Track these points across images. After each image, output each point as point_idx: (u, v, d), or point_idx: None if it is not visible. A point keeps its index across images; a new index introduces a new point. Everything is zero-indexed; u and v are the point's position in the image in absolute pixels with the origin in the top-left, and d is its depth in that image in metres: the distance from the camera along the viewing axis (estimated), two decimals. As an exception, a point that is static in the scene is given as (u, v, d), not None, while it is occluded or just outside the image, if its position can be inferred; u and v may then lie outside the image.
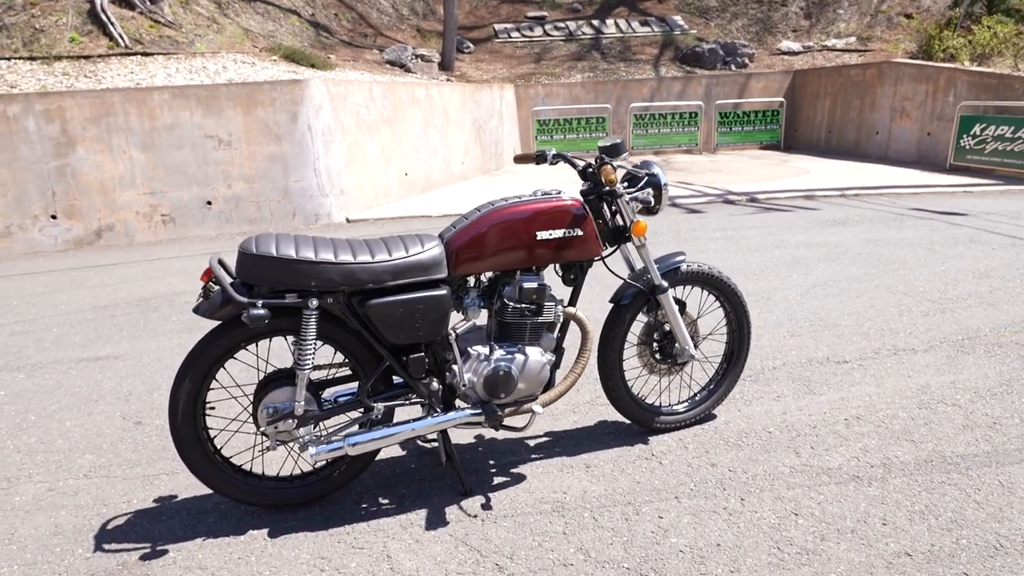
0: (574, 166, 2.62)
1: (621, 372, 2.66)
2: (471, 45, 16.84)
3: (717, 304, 2.87)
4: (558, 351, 2.53)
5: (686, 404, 2.86)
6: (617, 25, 17.50)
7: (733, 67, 16.08)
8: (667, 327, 2.75)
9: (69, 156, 8.19)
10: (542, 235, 2.35)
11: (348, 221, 8.93)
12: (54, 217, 8.27)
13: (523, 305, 2.37)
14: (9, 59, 9.16)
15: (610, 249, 2.61)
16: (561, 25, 17.59)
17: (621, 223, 2.57)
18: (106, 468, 2.73)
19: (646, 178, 2.59)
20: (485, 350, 2.38)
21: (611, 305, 2.60)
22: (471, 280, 2.60)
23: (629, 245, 2.73)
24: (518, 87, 15.00)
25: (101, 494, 2.54)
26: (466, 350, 2.42)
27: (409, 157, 11.06)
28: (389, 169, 10.44)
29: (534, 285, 2.36)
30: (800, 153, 14.30)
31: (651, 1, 18.47)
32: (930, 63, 12.66)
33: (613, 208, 2.55)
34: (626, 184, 2.60)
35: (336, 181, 9.02)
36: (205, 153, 8.57)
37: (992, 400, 2.98)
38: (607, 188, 2.49)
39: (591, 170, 2.55)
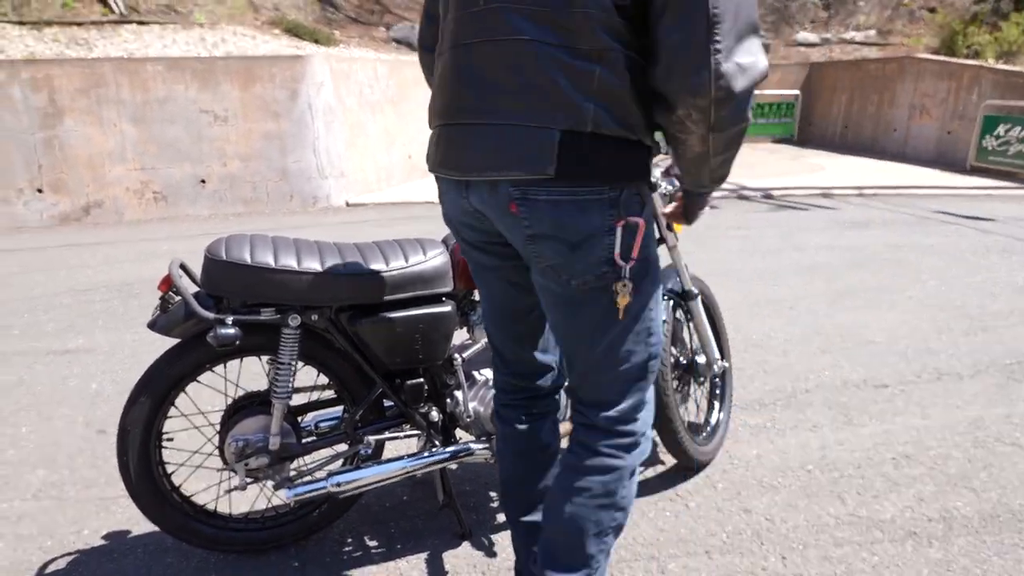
0: None
1: (678, 406, 2.31)
2: (479, 25, 16.37)
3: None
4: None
5: (705, 435, 2.54)
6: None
7: (748, 57, 15.63)
8: (677, 345, 2.43)
9: (57, 127, 7.82)
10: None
11: (348, 205, 8.58)
12: (40, 191, 7.92)
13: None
14: (-4, 23, 8.76)
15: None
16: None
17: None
18: (58, 487, 2.42)
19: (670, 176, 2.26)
20: (485, 376, 2.06)
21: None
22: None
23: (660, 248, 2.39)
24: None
25: (48, 521, 2.23)
26: (471, 375, 2.10)
27: (414, 139, 10.68)
28: (392, 151, 10.06)
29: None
30: (814, 148, 13.92)
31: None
32: (953, 59, 12.25)
33: None
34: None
35: (336, 163, 8.65)
36: (200, 129, 8.20)
37: (1055, 440, 2.67)
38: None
39: None
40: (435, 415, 2.04)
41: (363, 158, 9.30)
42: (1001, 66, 11.39)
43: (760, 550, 2.05)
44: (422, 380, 1.99)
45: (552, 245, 1.29)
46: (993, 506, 2.25)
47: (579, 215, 1.26)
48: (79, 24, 8.90)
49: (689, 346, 2.47)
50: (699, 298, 2.37)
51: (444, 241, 2.07)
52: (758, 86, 1.30)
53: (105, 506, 2.31)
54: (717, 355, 2.46)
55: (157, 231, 7.28)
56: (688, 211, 1.60)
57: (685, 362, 2.46)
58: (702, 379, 2.48)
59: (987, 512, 2.22)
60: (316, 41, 10.63)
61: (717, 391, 2.66)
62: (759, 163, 11.84)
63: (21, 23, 8.86)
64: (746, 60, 1.16)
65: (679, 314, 2.40)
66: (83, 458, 2.62)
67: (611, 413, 1.44)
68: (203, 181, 8.24)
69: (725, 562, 2.00)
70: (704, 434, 2.55)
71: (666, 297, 2.32)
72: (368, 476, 1.93)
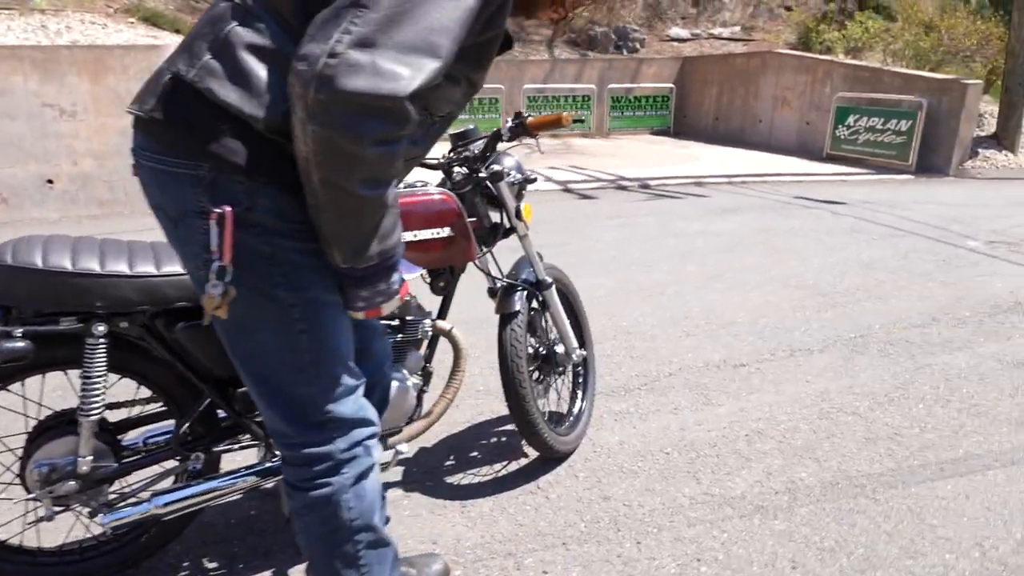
0: (427, 165, 2.19)
1: (535, 398, 2.26)
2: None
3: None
4: (425, 374, 2.14)
5: (567, 425, 2.54)
6: (510, 3, 17.09)
7: (625, 51, 16.09)
8: (536, 336, 2.42)
9: None
10: (404, 237, 1.94)
11: (216, 204, 8.12)
12: None
13: (383, 322, 1.95)
14: None
15: (486, 248, 2.22)
16: (453, 0, 16.98)
17: (497, 216, 2.21)
18: None
19: (510, 167, 2.23)
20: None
21: (498, 317, 2.21)
22: None
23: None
24: (408, 63, 14.33)
25: None
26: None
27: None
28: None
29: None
30: (690, 139, 14.49)
31: (545, -20, 18.19)
32: (809, 54, 13.09)
33: (485, 201, 2.18)
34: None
35: (202, 159, 8.16)
36: (44, 125, 7.49)
37: (891, 407, 2.85)
38: (484, 174, 2.11)
39: (457, 159, 2.15)
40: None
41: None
42: (849, 61, 12.27)
43: (616, 537, 2.06)
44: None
45: (163, 218, 1.24)
46: (833, 474, 2.37)
47: (173, 185, 1.18)
48: None
49: (547, 336, 2.45)
50: (554, 287, 2.35)
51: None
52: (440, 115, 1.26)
53: None
54: (575, 344, 2.45)
55: (-5, 237, 6.59)
56: (346, 296, 1.28)
57: (545, 352, 2.44)
58: (561, 368, 2.47)
59: (828, 480, 2.33)
60: (177, 31, 9.99)
61: (580, 380, 2.67)
62: (637, 154, 12.19)
63: None
64: (386, 67, 1.01)
65: (535, 304, 2.37)
66: None
67: (291, 444, 1.34)
68: (50, 181, 7.55)
69: (582, 552, 1.99)
70: (567, 424, 2.54)
71: (520, 288, 2.28)
72: (195, 494, 1.77)
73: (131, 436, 1.93)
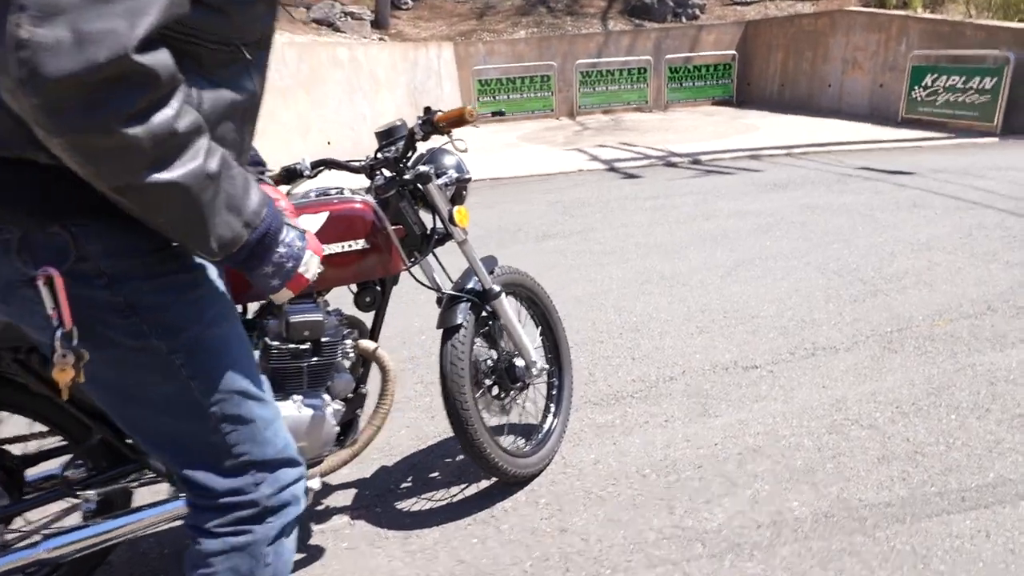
0: (350, 169, 2.00)
1: (481, 419, 2.06)
2: (409, 2, 15.88)
3: (526, 312, 2.35)
4: (357, 397, 1.96)
5: (534, 443, 2.32)
6: (563, -24, 16.62)
7: (683, 19, 15.37)
8: (494, 352, 2.20)
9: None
10: (311, 251, 1.76)
11: (258, 198, 8.21)
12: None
13: (292, 346, 1.78)
14: None
15: (419, 256, 2.01)
16: (504, -23, 16.66)
17: (428, 223, 2.00)
18: None
19: (447, 166, 2.01)
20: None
21: (440, 332, 2.02)
22: None
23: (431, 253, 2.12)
24: (458, 45, 14.17)
25: None
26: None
27: (331, 124, 10.25)
28: (309, 139, 9.65)
29: (306, 319, 1.77)
30: (753, 108, 13.74)
31: (599, -50, 17.58)
32: (882, 11, 12.12)
33: (415, 205, 1.97)
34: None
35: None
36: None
37: (916, 419, 2.48)
38: (408, 176, 1.90)
39: (383, 160, 1.95)
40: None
41: (276, 148, 8.88)
42: (927, 15, 11.26)
43: (563, 579, 1.83)
44: (154, 419, 1.72)
45: None
46: (830, 504, 2.06)
47: None
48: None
49: (501, 349, 2.23)
50: (503, 297, 2.12)
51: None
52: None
53: None
54: (534, 357, 2.22)
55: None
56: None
57: (503, 367, 2.22)
58: (521, 383, 2.24)
59: (822, 512, 2.02)
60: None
61: (553, 393, 2.44)
62: (694, 127, 11.63)
63: None
64: (89, 28, 0.79)
65: (483, 315, 2.15)
66: None
67: (210, 495, 1.18)
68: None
69: (520, 597, 1.78)
70: (533, 442, 2.32)
71: (464, 299, 2.07)
72: (90, 536, 1.66)
73: (36, 471, 1.84)
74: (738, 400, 2.70)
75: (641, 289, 4.03)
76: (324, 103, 10.01)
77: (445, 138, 1.98)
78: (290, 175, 2.00)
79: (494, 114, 2.25)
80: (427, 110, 1.92)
